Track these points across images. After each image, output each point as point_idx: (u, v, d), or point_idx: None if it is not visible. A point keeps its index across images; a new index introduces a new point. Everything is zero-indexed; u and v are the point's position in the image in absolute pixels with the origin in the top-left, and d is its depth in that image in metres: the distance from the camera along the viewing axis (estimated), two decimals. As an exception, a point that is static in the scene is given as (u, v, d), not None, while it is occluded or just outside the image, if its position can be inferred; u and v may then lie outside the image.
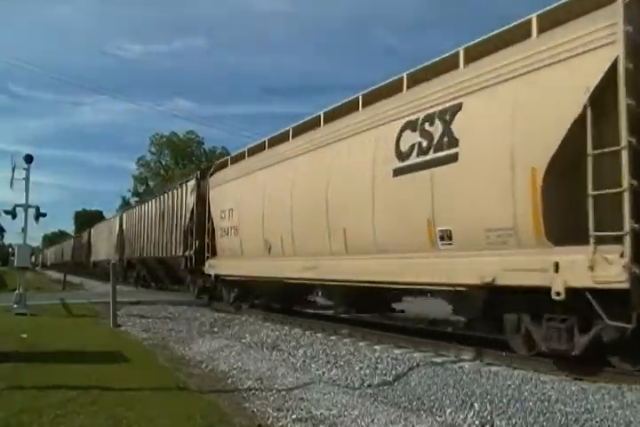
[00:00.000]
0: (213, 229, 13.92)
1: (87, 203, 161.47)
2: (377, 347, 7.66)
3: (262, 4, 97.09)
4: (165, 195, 19.48)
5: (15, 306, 12.47)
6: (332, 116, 9.49)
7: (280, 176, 10.72)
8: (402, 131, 7.46)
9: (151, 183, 59.01)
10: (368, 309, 11.06)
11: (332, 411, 4.86)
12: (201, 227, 14.77)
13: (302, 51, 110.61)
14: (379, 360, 6.58)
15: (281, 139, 11.12)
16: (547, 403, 4.57)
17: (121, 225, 26.08)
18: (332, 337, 8.83)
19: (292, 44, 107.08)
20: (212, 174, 14.80)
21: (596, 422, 4.12)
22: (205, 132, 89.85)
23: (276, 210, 10.64)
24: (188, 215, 15.98)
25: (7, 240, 32.32)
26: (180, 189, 17.57)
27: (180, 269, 16.74)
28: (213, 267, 13.74)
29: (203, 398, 5.29)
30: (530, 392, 4.87)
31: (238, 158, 13.45)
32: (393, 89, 7.99)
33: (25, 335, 8.69)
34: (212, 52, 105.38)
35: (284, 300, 13.02)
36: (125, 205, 55.17)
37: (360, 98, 8.73)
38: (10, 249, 33.22)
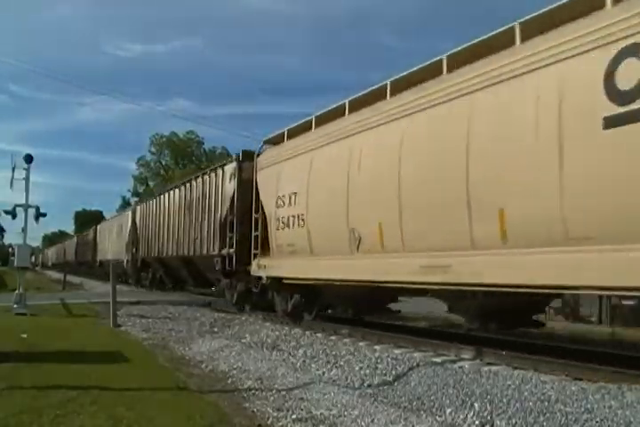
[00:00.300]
0: (265, 221, 11.20)
1: (87, 203, 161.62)
2: (377, 347, 7.65)
3: (262, 3, 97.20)
4: (193, 182, 16.15)
5: (15, 306, 12.47)
6: (460, 61, 6.97)
7: (377, 144, 8.11)
8: (616, 61, 5.21)
9: (151, 183, 59.02)
10: (513, 324, 7.91)
11: (332, 411, 4.86)
12: (245, 219, 12.03)
13: (302, 51, 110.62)
14: (379, 360, 6.57)
15: (365, 101, 8.66)
16: (547, 403, 4.57)
17: (134, 220, 23.23)
18: (332, 337, 8.82)
19: (291, 44, 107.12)
20: (259, 154, 12.00)
21: (596, 422, 4.12)
22: (205, 132, 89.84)
23: (372, 189, 8.02)
24: (227, 205, 12.97)
25: (7, 240, 32.41)
26: (214, 175, 14.37)
27: (212, 270, 13.83)
28: (264, 268, 11.00)
29: (203, 398, 5.30)
30: (530, 392, 4.87)
31: (300, 130, 10.56)
32: (581, 8, 5.63)
33: (25, 335, 8.69)
34: (212, 52, 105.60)
35: (362, 309, 10.66)
36: (126, 205, 55.18)
37: (517, 28, 6.24)
38: (10, 249, 33.27)
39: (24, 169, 13.31)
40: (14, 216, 13.70)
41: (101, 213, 71.04)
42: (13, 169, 13.31)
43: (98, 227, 35.20)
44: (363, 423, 4.54)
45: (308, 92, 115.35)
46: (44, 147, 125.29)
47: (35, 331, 9.28)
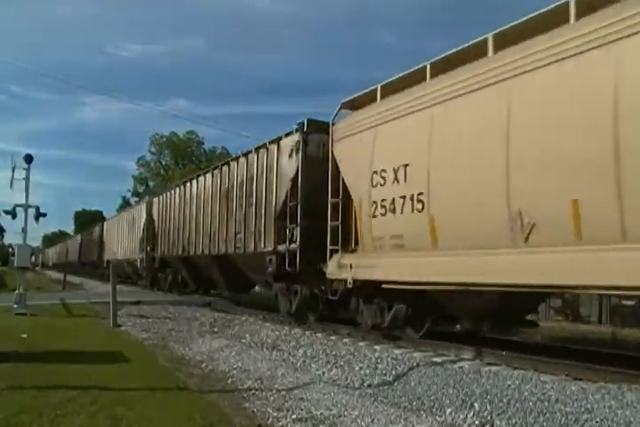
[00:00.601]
0: (349, 206, 8.80)
1: (87, 203, 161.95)
2: (377, 347, 7.65)
3: (262, 3, 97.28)
4: (232, 164, 13.29)
5: (15, 306, 12.47)
6: None
7: (564, 85, 5.56)
8: None
9: (151, 183, 59.01)
10: None
11: (332, 411, 4.86)
12: (314, 205, 9.52)
13: (302, 51, 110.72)
14: (379, 360, 6.58)
15: (524, 32, 6.19)
16: (547, 403, 4.58)
17: (150, 214, 20.54)
18: (332, 337, 8.82)
19: (291, 43, 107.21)
20: (334, 123, 9.41)
21: (596, 422, 4.12)
22: (205, 132, 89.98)
23: (557, 151, 5.57)
24: (286, 189, 10.35)
25: (7, 240, 32.36)
26: (264, 152, 11.51)
27: (258, 270, 11.55)
28: (349, 268, 8.45)
29: (203, 398, 5.30)
30: (530, 392, 4.87)
31: (404, 84, 7.93)
32: None
33: (25, 335, 8.69)
34: (212, 52, 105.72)
35: (498, 322, 7.79)
36: (126, 204, 55.14)
37: None
38: (10, 249, 33.30)
39: (24, 169, 13.32)
40: (14, 216, 13.71)
41: (101, 213, 71.12)
42: (13, 169, 13.34)
43: (105, 223, 32.34)
44: (363, 423, 4.54)
45: (308, 92, 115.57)
46: (44, 147, 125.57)
47: (35, 331, 9.28)
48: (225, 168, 13.73)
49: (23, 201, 13.51)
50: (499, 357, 6.66)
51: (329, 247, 8.99)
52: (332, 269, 8.85)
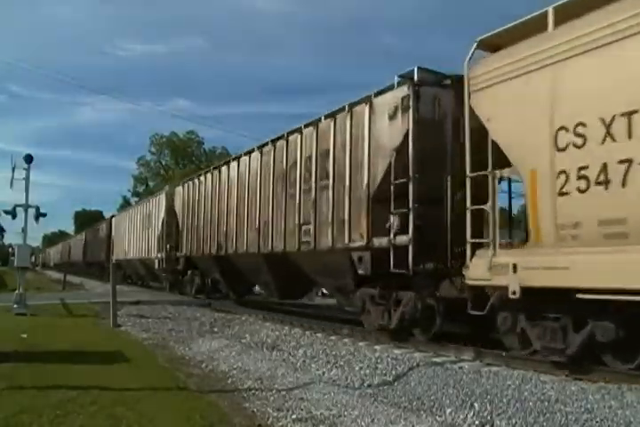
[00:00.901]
0: (494, 182, 6.49)
1: (87, 203, 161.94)
2: (377, 347, 7.65)
3: (262, 3, 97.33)
4: (293, 137, 10.49)
5: (15, 306, 12.47)
6: None
7: None
8: None
9: (151, 183, 59.02)
10: None
11: (332, 411, 4.87)
12: (426, 183, 7.30)
13: (302, 51, 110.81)
14: (379, 360, 6.58)
15: None
16: (547, 403, 4.58)
17: (171, 207, 17.87)
18: (332, 337, 8.82)
19: (291, 44, 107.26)
20: (471, 66, 6.81)
21: (596, 422, 4.12)
22: (205, 132, 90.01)
23: None
24: (385, 163, 7.82)
25: (7, 240, 32.24)
26: (345, 117, 8.87)
27: (330, 272, 9.44)
28: (512, 269, 5.97)
29: (203, 398, 5.30)
30: (530, 392, 4.87)
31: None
32: None
33: (25, 335, 8.70)
34: (212, 52, 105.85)
35: None
36: (126, 204, 55.10)
37: None
38: (10, 249, 33.27)
39: (24, 169, 13.35)
40: (14, 216, 13.71)
41: (101, 213, 71.19)
42: (13, 169, 13.37)
43: (113, 219, 28.95)
44: (363, 423, 4.55)
45: (309, 91, 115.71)
46: (44, 147, 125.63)
47: (35, 331, 9.29)
48: (281, 143, 10.86)
49: (23, 201, 13.54)
50: (499, 357, 6.64)
51: (469, 240, 6.63)
52: (479, 271, 6.38)
